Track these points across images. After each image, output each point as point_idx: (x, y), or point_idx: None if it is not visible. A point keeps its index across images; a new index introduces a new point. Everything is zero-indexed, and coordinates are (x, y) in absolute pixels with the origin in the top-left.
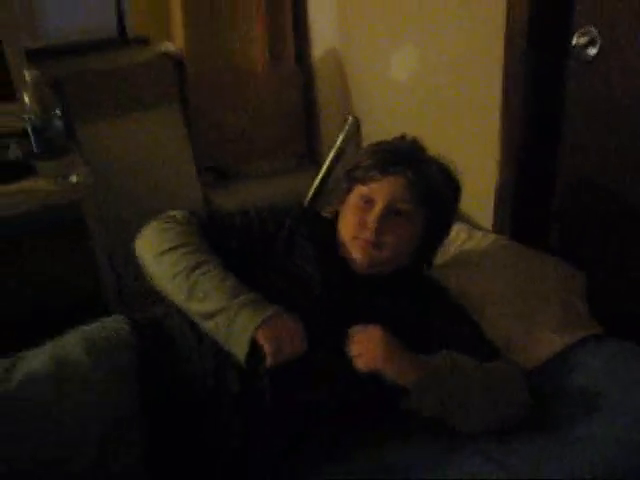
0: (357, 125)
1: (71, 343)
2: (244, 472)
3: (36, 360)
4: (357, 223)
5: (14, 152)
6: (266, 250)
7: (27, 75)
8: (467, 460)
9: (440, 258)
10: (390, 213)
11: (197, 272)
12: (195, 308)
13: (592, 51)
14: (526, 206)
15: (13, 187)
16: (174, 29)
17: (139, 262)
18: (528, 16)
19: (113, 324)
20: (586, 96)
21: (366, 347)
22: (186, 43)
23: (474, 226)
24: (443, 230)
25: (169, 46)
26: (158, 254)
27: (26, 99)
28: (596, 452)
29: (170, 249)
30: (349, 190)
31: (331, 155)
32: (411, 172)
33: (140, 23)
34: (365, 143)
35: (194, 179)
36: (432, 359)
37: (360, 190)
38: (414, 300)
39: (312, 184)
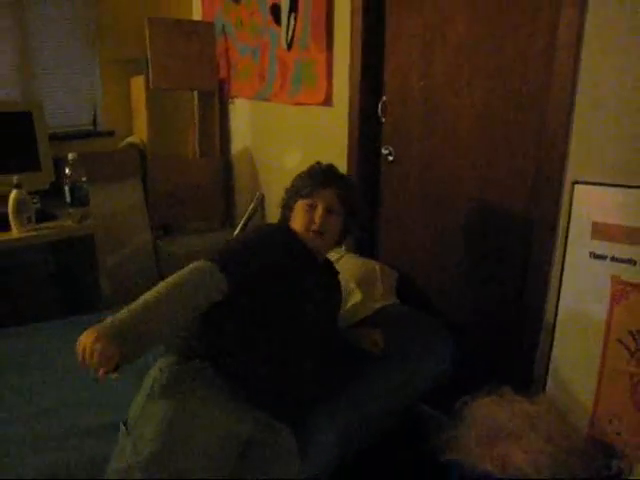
0: (262, 198)
1: None
2: None
3: None
4: (307, 221)
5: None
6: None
7: (70, 155)
8: None
9: None
10: (326, 212)
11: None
12: None
13: (390, 157)
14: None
15: (50, 224)
16: (139, 127)
17: None
18: (357, 138)
19: None
20: (390, 180)
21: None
22: (148, 138)
23: None
24: (357, 221)
25: (135, 138)
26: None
27: (67, 170)
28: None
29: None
30: (294, 203)
31: (244, 219)
32: (337, 185)
33: (108, 120)
34: (268, 211)
35: (148, 232)
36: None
37: (305, 201)
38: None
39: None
